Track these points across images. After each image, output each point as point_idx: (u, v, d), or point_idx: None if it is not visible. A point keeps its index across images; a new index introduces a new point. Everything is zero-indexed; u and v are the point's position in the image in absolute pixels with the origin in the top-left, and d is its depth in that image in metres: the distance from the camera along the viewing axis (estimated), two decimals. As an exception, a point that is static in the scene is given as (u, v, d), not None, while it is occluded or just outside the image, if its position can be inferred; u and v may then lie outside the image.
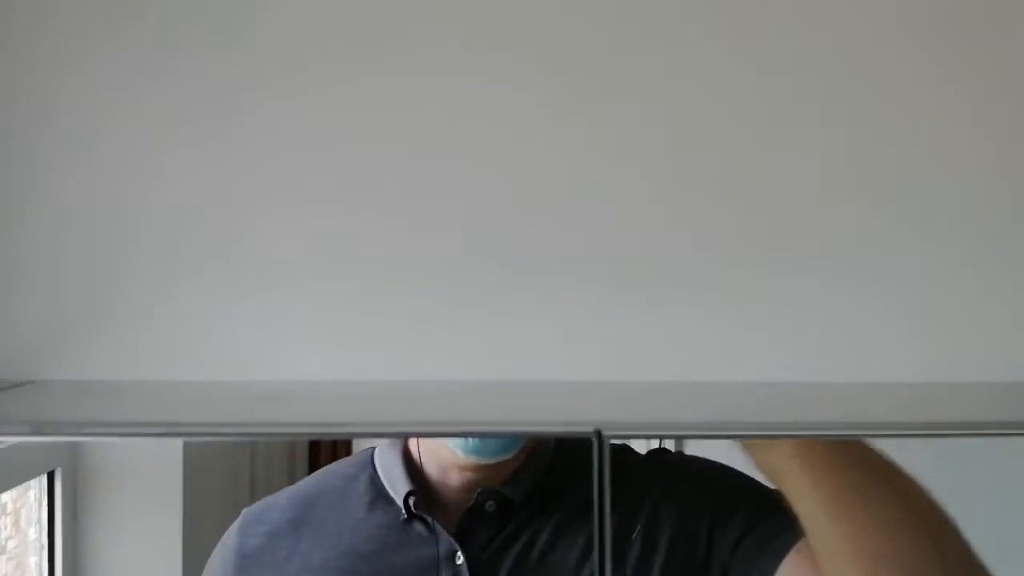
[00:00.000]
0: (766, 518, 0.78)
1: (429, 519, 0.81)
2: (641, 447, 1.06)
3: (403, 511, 0.81)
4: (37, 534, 1.31)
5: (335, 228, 0.59)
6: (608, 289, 0.59)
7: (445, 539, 0.80)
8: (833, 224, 0.62)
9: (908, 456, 0.62)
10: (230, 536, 0.87)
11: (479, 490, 0.81)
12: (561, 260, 0.59)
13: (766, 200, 0.60)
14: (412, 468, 0.83)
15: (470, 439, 0.76)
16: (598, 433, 0.42)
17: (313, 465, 2.18)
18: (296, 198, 0.59)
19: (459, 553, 0.79)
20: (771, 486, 0.76)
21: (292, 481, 2.10)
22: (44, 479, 1.32)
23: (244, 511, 0.88)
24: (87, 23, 0.57)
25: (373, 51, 0.59)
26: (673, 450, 0.88)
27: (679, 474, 0.83)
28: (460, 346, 0.57)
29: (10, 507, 1.24)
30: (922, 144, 0.61)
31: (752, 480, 0.79)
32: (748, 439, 0.46)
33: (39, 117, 0.57)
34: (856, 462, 0.61)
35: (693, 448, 0.85)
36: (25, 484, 1.28)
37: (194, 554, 1.43)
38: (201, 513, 1.47)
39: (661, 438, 0.73)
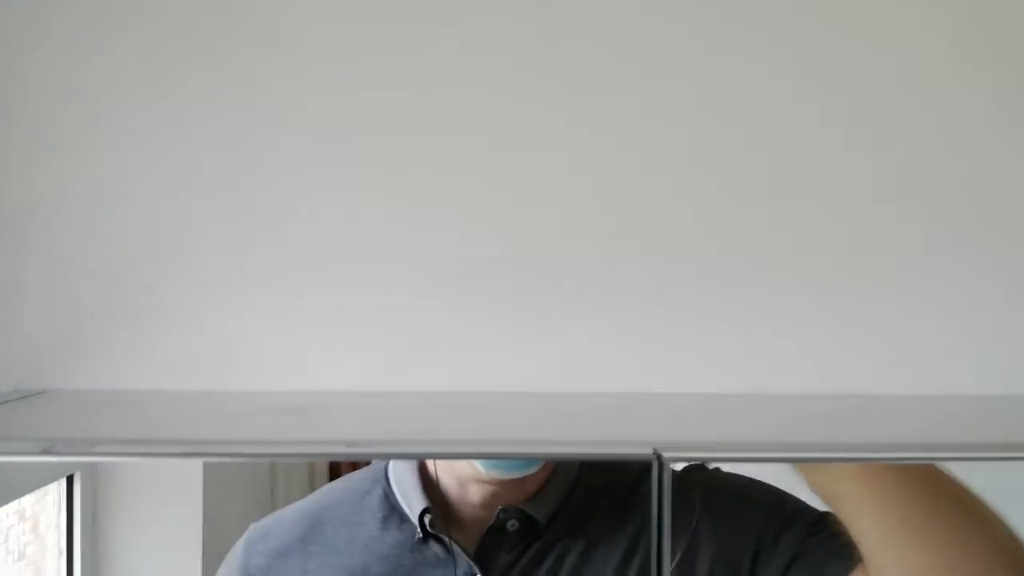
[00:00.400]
0: (818, 543, 0.71)
1: (446, 539, 0.74)
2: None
3: (418, 529, 0.75)
4: (56, 539, 1.28)
5: (358, 233, 0.56)
6: (653, 301, 0.55)
7: (464, 561, 0.73)
8: (889, 234, 0.58)
9: (976, 475, 0.58)
10: (235, 555, 0.81)
11: (500, 508, 0.74)
12: (606, 271, 0.55)
13: (814, 212, 0.57)
14: (428, 483, 0.77)
15: None
16: (658, 456, 0.38)
17: (334, 471, 2.16)
18: (317, 203, 0.55)
19: None
20: (822, 508, 0.71)
21: (313, 483, 2.08)
22: (63, 484, 1.30)
23: (251, 527, 0.82)
24: (93, 22, 0.54)
25: (386, 50, 0.55)
26: (710, 466, 0.81)
27: (717, 493, 0.77)
28: (494, 357, 0.53)
29: (28, 512, 1.22)
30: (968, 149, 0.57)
31: (798, 500, 0.74)
32: (814, 462, 0.42)
33: (46, 122, 0.54)
34: (924, 484, 0.56)
35: (752, 470, 0.79)
36: (44, 489, 1.26)
37: (214, 559, 1.41)
38: (221, 517, 1.45)
39: (726, 460, 0.67)
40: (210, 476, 1.42)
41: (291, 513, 0.81)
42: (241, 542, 0.80)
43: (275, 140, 0.56)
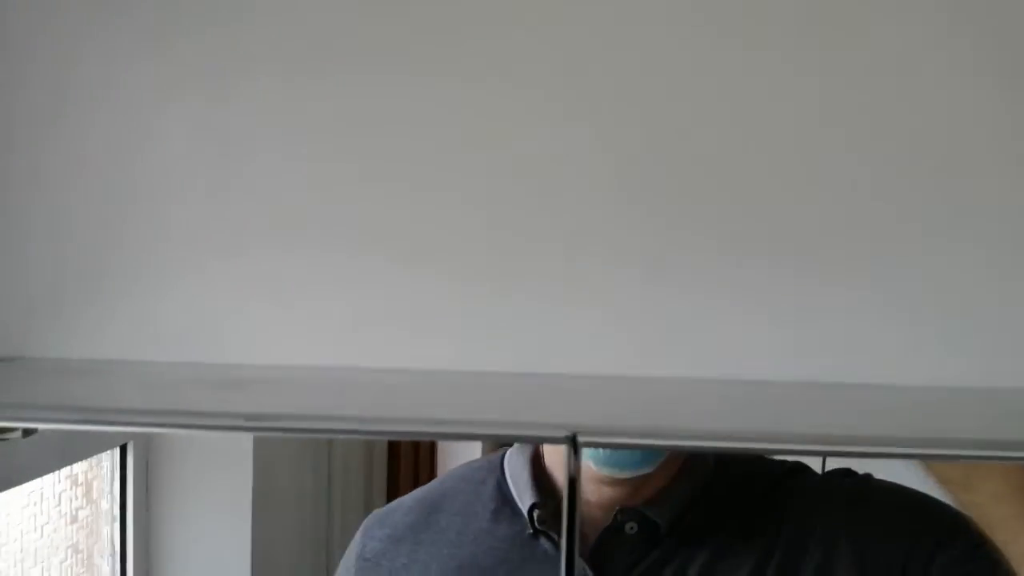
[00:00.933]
0: (976, 572, 0.64)
1: (556, 537, 0.71)
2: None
3: (528, 525, 0.73)
4: (109, 505, 1.34)
5: (330, 202, 0.55)
6: (605, 278, 0.52)
7: (577, 562, 0.69)
8: (864, 220, 0.54)
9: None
10: (355, 540, 0.81)
11: (618, 508, 0.70)
12: (552, 248, 0.52)
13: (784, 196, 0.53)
14: (541, 476, 0.74)
15: (600, 450, 0.65)
16: (573, 439, 0.36)
17: (393, 446, 2.18)
18: (284, 173, 0.55)
19: None
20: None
21: (372, 457, 2.10)
22: (116, 452, 1.35)
23: (373, 512, 0.83)
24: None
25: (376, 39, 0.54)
26: (858, 472, 0.74)
27: (863, 501, 0.70)
28: (445, 334, 0.52)
29: (81, 478, 1.27)
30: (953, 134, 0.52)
31: (958, 514, 0.66)
32: (754, 451, 0.39)
33: (12, 91, 0.55)
34: None
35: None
36: (98, 456, 1.32)
37: (264, 526, 1.45)
38: (272, 487, 1.48)
39: (643, 447, 0.64)
40: (262, 445, 1.45)
41: (409, 499, 0.82)
42: (362, 526, 0.82)
43: (240, 107, 0.55)
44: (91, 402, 0.46)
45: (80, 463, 1.26)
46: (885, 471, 0.71)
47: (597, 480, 0.70)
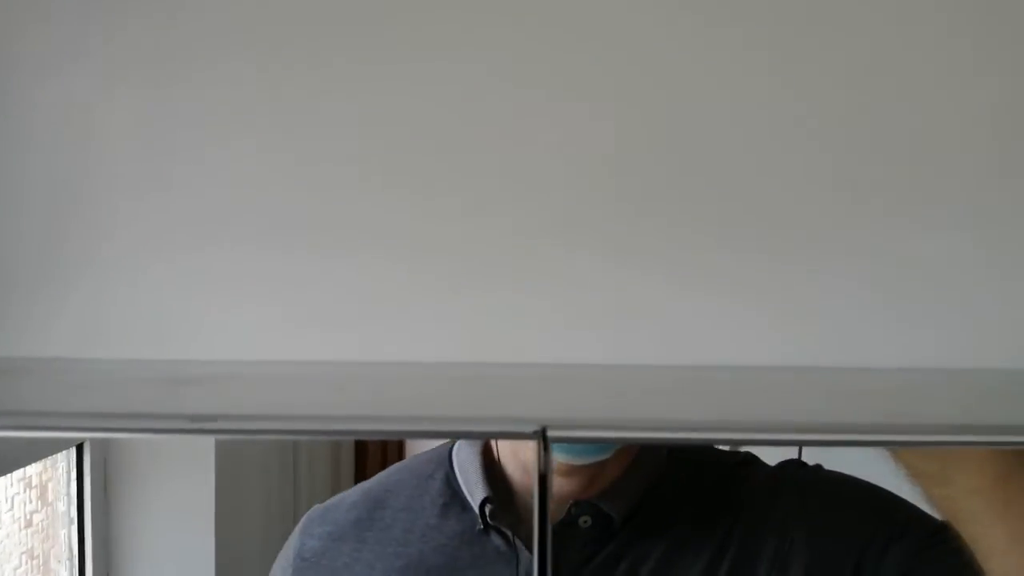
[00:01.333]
0: (935, 559, 0.63)
1: (509, 532, 0.67)
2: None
3: (479, 520, 0.69)
4: (65, 507, 1.30)
5: (283, 193, 0.52)
6: (567, 263, 0.50)
7: (527, 558, 0.66)
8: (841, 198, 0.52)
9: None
10: (293, 536, 0.77)
11: (572, 502, 0.67)
12: (514, 232, 0.50)
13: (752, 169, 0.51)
14: (492, 469, 0.70)
15: None
16: (543, 433, 0.34)
17: (360, 444, 2.16)
18: (231, 144, 0.52)
19: None
20: (939, 517, 0.61)
21: (338, 455, 2.07)
22: (72, 452, 1.31)
23: (312, 508, 0.78)
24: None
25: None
26: (809, 463, 0.73)
27: (817, 494, 0.68)
28: (413, 323, 0.50)
29: (35, 480, 1.23)
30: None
31: (911, 506, 0.65)
32: (739, 443, 0.37)
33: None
34: None
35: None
36: (53, 457, 1.28)
37: (228, 526, 1.42)
38: (237, 485, 1.45)
39: (617, 440, 0.62)
40: (223, 442, 1.42)
41: (353, 494, 0.77)
42: (300, 524, 0.77)
43: (192, 92, 0.53)
44: (40, 405, 0.43)
45: (34, 465, 1.22)
46: (855, 463, 0.69)
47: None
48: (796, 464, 0.73)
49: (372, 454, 2.12)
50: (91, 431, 0.40)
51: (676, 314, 0.50)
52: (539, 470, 0.36)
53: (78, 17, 0.54)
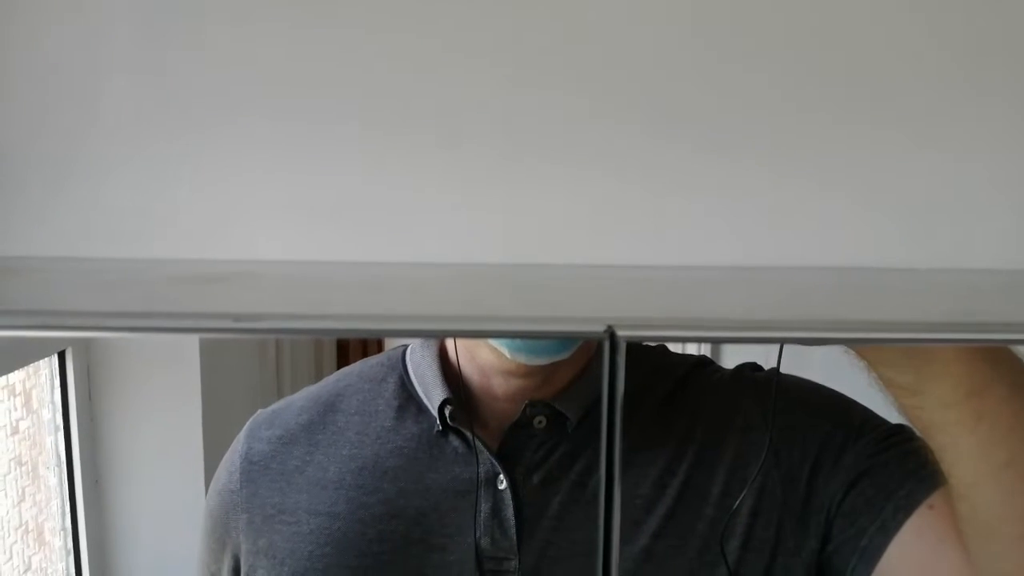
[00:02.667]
0: (890, 460, 0.62)
1: (468, 434, 0.66)
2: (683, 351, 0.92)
3: (437, 422, 0.67)
4: (51, 414, 1.27)
5: (295, 77, 0.48)
6: (614, 165, 0.47)
7: (486, 458, 0.65)
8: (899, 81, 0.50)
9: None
10: (238, 441, 0.73)
11: (527, 402, 0.66)
12: (559, 132, 0.47)
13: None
14: (449, 372, 0.69)
15: None
16: (611, 333, 0.32)
17: (342, 345, 2.15)
18: (241, 21, 0.47)
19: (502, 476, 0.65)
20: (894, 421, 0.62)
21: (321, 356, 2.06)
22: (55, 359, 1.28)
23: (257, 412, 0.75)
24: None
25: None
26: (765, 367, 0.73)
27: (774, 395, 0.67)
28: (435, 225, 0.46)
29: (19, 388, 1.20)
30: None
31: (867, 410, 0.65)
32: (799, 342, 0.35)
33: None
34: None
35: (734, 354, 0.72)
36: (35, 364, 1.24)
37: (215, 425, 1.40)
38: (221, 385, 1.43)
39: (688, 340, 0.60)
40: (207, 347, 1.39)
41: (300, 398, 0.74)
42: (245, 427, 0.74)
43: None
44: (37, 304, 0.40)
45: (16, 372, 1.19)
46: (830, 372, 0.68)
47: (506, 372, 0.66)
48: (752, 367, 0.73)
49: (353, 350, 2.12)
50: (133, 330, 0.37)
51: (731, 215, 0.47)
52: (608, 370, 0.33)
53: None
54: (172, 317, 0.33)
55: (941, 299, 0.46)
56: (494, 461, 0.66)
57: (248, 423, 0.74)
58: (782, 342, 0.46)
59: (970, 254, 0.52)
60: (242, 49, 0.47)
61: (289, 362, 1.83)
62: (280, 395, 1.73)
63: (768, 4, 0.49)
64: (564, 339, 0.61)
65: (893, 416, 0.60)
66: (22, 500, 1.20)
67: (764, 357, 0.76)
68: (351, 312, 0.35)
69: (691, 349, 1.13)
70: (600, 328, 0.33)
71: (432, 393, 0.69)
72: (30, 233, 0.48)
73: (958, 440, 0.50)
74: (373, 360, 0.76)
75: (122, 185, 0.48)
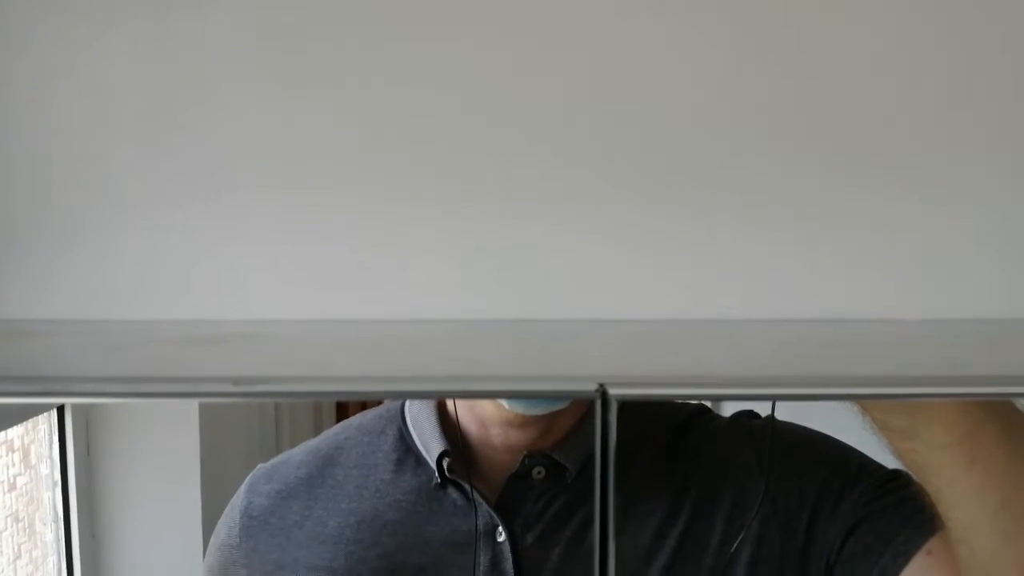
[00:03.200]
0: (888, 507, 0.63)
1: (466, 486, 0.66)
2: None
3: (436, 474, 0.67)
4: (49, 470, 1.27)
5: (292, 142, 0.49)
6: (613, 216, 0.49)
7: (485, 510, 0.66)
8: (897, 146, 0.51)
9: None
10: (238, 495, 0.73)
11: (526, 453, 0.66)
12: (557, 184, 0.48)
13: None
14: (447, 423, 0.69)
15: None
16: (603, 392, 0.32)
17: (341, 404, 2.13)
18: (243, 92, 0.49)
19: (500, 529, 0.65)
20: (891, 466, 0.62)
21: (320, 415, 2.06)
22: (54, 414, 1.28)
23: (257, 466, 0.75)
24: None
25: None
26: (762, 414, 0.71)
27: (771, 443, 0.67)
28: (441, 283, 0.48)
29: (17, 443, 1.20)
30: None
31: (863, 456, 0.66)
32: (803, 399, 0.36)
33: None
34: None
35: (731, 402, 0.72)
36: (34, 420, 1.24)
37: (214, 482, 1.39)
38: (220, 444, 1.43)
39: (680, 398, 0.60)
40: (207, 405, 1.39)
41: (300, 452, 0.75)
42: (246, 481, 0.74)
43: (194, 24, 0.49)
44: (40, 367, 0.41)
45: (15, 427, 1.19)
46: (823, 417, 0.69)
47: (505, 423, 0.66)
48: (748, 414, 0.73)
49: (353, 407, 2.10)
50: (134, 396, 0.38)
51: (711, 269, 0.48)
52: (600, 428, 0.34)
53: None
54: (173, 382, 0.33)
55: (929, 350, 0.47)
56: (493, 513, 0.66)
57: (248, 478, 0.74)
58: (774, 399, 0.47)
59: (957, 305, 0.53)
60: (243, 119, 0.49)
61: (288, 419, 1.82)
62: (279, 451, 1.72)
63: (751, 68, 0.51)
64: (556, 398, 0.62)
65: (889, 461, 0.60)
66: (18, 557, 1.19)
67: (761, 404, 0.76)
68: (349, 374, 0.36)
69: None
70: (592, 387, 0.34)
71: (430, 445, 0.69)
72: (36, 296, 0.49)
73: (954, 483, 0.50)
74: (372, 412, 0.77)
75: (127, 249, 0.50)
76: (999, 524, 0.50)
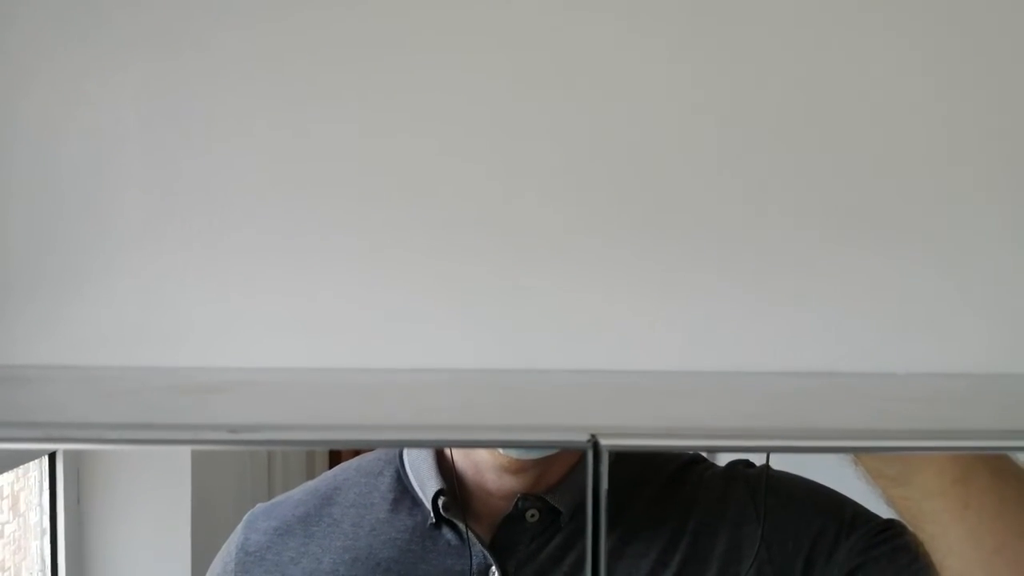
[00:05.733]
0: (882, 556, 0.63)
1: (461, 526, 0.68)
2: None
3: (431, 514, 0.68)
4: (38, 518, 1.26)
5: (292, 178, 0.50)
6: (609, 268, 0.50)
7: (478, 551, 0.67)
8: (888, 202, 0.53)
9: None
10: (236, 532, 0.74)
11: (519, 496, 0.67)
12: (547, 237, 0.49)
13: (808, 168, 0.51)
14: (444, 466, 0.70)
15: None
16: (594, 443, 0.33)
17: (334, 452, 2.13)
18: (247, 140, 0.50)
19: (494, 569, 0.66)
20: (897, 517, 0.62)
21: (313, 465, 2.04)
22: (45, 461, 1.27)
23: (255, 506, 0.76)
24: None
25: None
26: (756, 463, 0.73)
27: (767, 491, 0.68)
28: (436, 332, 0.48)
29: (7, 490, 1.19)
30: None
31: (858, 505, 0.67)
32: (795, 451, 0.36)
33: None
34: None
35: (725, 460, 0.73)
36: (24, 466, 1.23)
37: (203, 533, 1.38)
38: (211, 495, 1.42)
39: (671, 449, 0.61)
40: (198, 455, 1.38)
41: (298, 492, 0.76)
42: (244, 519, 0.75)
43: (197, 67, 0.50)
44: (37, 413, 0.41)
45: (5, 474, 1.18)
46: (815, 465, 0.70)
47: (499, 468, 0.67)
48: (744, 463, 0.74)
49: (345, 455, 2.09)
50: (130, 443, 0.38)
51: (707, 319, 0.49)
52: (592, 478, 0.34)
53: (77, 3, 0.52)
54: (169, 429, 0.34)
55: (919, 405, 0.47)
56: (487, 553, 0.67)
57: (246, 515, 0.75)
58: (768, 451, 0.47)
59: (943, 359, 0.54)
60: (244, 166, 0.50)
61: (281, 469, 1.81)
62: (271, 497, 1.71)
63: (744, 126, 0.52)
64: (549, 448, 0.63)
65: (882, 510, 0.61)
66: (3, 608, 1.18)
67: (755, 455, 0.77)
68: (344, 422, 0.36)
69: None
70: (584, 437, 0.34)
71: (426, 485, 0.70)
72: (34, 342, 0.49)
73: (947, 529, 0.50)
74: (371, 455, 0.78)
75: (126, 296, 0.50)
76: (994, 570, 0.50)
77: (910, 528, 0.53)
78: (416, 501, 0.70)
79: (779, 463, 0.69)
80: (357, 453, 0.77)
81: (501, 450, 0.65)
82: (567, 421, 0.36)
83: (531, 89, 0.51)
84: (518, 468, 0.67)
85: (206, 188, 0.51)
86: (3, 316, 0.49)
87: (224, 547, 0.75)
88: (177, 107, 0.50)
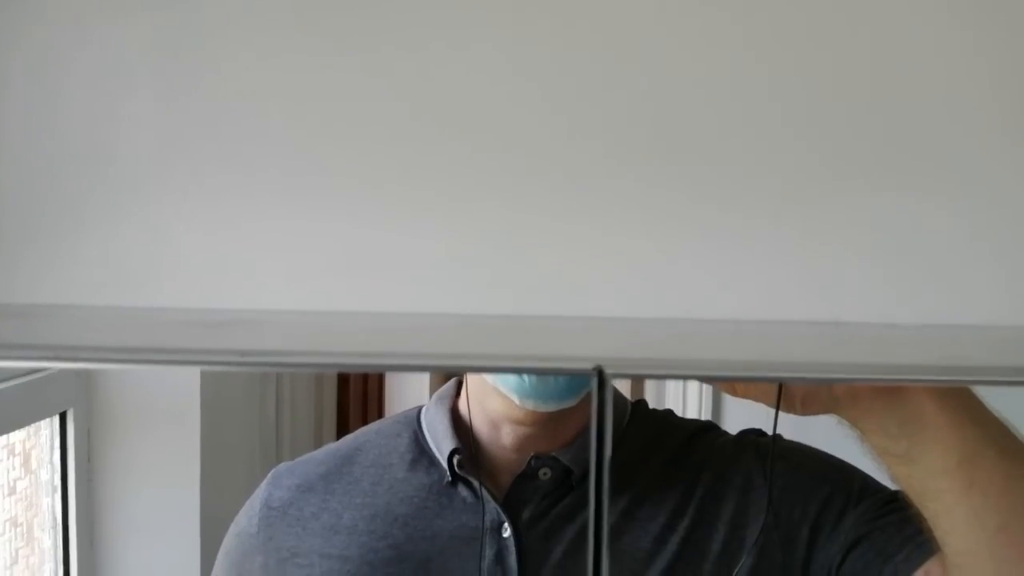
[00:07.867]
0: (888, 526, 0.64)
1: (475, 483, 0.70)
2: (673, 394, 0.95)
3: (447, 472, 0.71)
4: (49, 475, 1.27)
5: (303, 135, 0.50)
6: (624, 215, 0.50)
7: (492, 507, 0.69)
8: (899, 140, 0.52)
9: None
10: (260, 488, 0.79)
11: (532, 454, 0.70)
12: (564, 183, 0.49)
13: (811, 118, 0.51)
14: (460, 426, 0.73)
15: (526, 379, 0.63)
16: (599, 372, 0.33)
17: (342, 401, 2.14)
18: (253, 83, 0.50)
19: (506, 525, 0.68)
20: (892, 487, 0.64)
21: (320, 417, 2.05)
22: (56, 419, 1.28)
23: (279, 464, 0.81)
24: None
25: None
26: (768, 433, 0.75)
27: (775, 458, 0.69)
28: (453, 276, 0.48)
29: (19, 448, 1.20)
30: None
31: (867, 476, 0.67)
32: (785, 380, 0.37)
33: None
34: None
35: (736, 414, 0.73)
36: (36, 424, 1.25)
37: (213, 492, 1.40)
38: (220, 455, 1.43)
39: (673, 378, 0.62)
40: (208, 408, 1.40)
41: (321, 453, 0.80)
42: (268, 476, 0.80)
43: (210, 18, 0.50)
44: (51, 340, 0.41)
45: (17, 432, 1.19)
46: (824, 441, 0.70)
47: (515, 421, 0.69)
48: (755, 432, 0.75)
49: (354, 414, 2.11)
50: (144, 363, 0.39)
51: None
52: (597, 406, 0.35)
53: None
54: (179, 352, 0.34)
55: (924, 349, 0.47)
56: (499, 509, 0.69)
57: (271, 473, 0.80)
58: (773, 380, 0.48)
59: (954, 310, 0.54)
60: (251, 104, 0.50)
61: (289, 428, 1.83)
62: (279, 461, 1.73)
63: (756, 71, 0.52)
64: (553, 375, 0.64)
65: (889, 486, 0.61)
66: (15, 562, 1.19)
67: (765, 421, 0.78)
68: (354, 350, 0.36)
69: (692, 395, 1.15)
70: (588, 365, 0.35)
71: (442, 444, 0.73)
72: (42, 282, 0.50)
73: (952, 507, 0.51)
74: (391, 419, 0.82)
75: (131, 235, 0.51)
76: (997, 549, 0.51)
77: (916, 505, 0.54)
78: (433, 461, 0.73)
79: (790, 434, 0.70)
80: (367, 381, 0.80)
81: (517, 401, 0.66)
82: (573, 354, 0.36)
83: (555, 32, 0.51)
84: (533, 420, 0.68)
85: (214, 129, 0.51)
86: (10, 256, 0.50)
87: (248, 502, 0.79)
88: (184, 47, 0.50)
